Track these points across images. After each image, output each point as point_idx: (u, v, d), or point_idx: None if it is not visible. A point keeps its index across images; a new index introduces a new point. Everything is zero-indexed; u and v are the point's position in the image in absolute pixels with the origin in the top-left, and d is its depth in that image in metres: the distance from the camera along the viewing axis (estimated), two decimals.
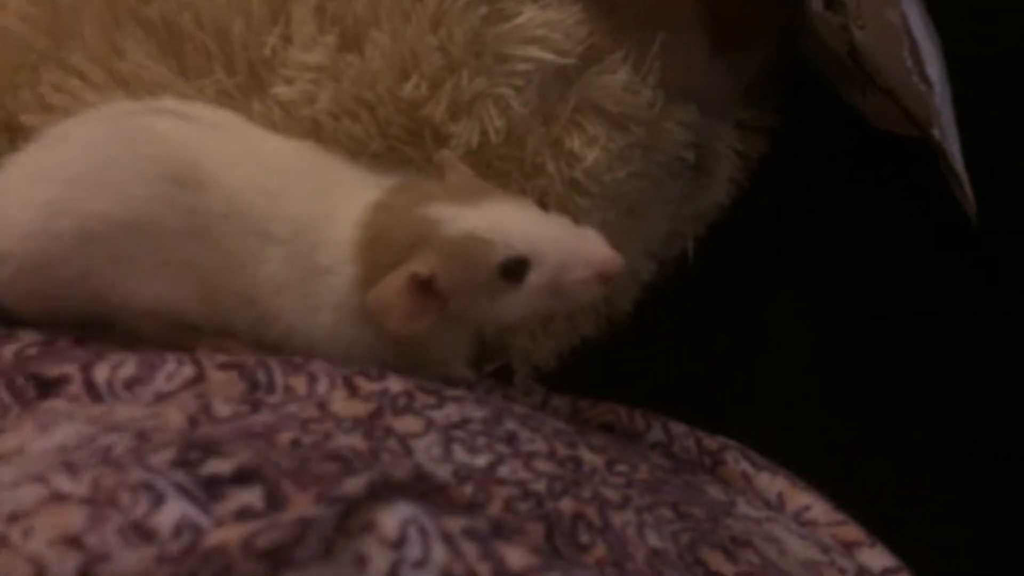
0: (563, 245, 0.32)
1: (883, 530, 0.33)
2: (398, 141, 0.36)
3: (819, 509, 0.33)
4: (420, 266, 0.30)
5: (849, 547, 0.32)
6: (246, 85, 0.35)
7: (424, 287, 0.31)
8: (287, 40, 0.35)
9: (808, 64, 0.45)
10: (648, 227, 0.42)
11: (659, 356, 0.46)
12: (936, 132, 0.37)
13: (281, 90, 0.35)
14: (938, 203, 0.40)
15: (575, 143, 0.37)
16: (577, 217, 0.39)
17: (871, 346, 0.45)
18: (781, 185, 0.46)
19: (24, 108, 0.35)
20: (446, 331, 0.33)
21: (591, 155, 0.37)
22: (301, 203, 0.32)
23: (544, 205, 0.39)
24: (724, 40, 0.40)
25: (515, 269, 0.31)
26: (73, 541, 0.20)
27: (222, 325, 0.32)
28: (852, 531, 0.33)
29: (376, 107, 0.35)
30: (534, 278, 0.31)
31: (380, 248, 0.31)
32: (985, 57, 0.39)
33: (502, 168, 0.37)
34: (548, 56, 0.36)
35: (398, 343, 0.32)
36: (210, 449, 0.22)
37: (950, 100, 0.37)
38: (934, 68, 0.35)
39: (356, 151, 0.35)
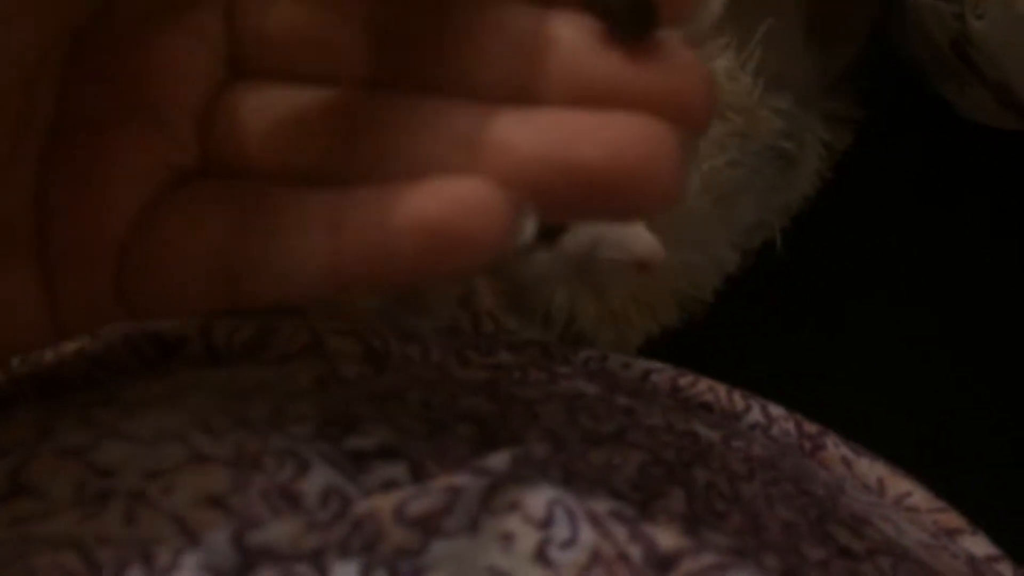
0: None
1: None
2: None
3: (920, 496, 0.33)
4: None
5: (951, 534, 0.32)
6: None
7: None
8: None
9: (897, 56, 0.45)
10: (736, 217, 0.42)
11: (737, 348, 0.46)
12: None
13: None
14: None
15: None
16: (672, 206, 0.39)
17: (955, 345, 0.45)
18: (866, 178, 0.46)
19: None
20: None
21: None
22: None
23: None
24: (819, 29, 0.40)
25: (549, 228, 0.29)
26: (217, 502, 0.20)
27: None
28: (953, 518, 0.32)
29: None
30: (569, 244, 0.29)
31: None
32: None
33: None
34: None
35: None
36: (349, 425, 0.22)
37: None
38: None
39: None
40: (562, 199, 0.18)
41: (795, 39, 0.40)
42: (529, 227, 0.18)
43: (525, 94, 0.19)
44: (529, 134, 0.18)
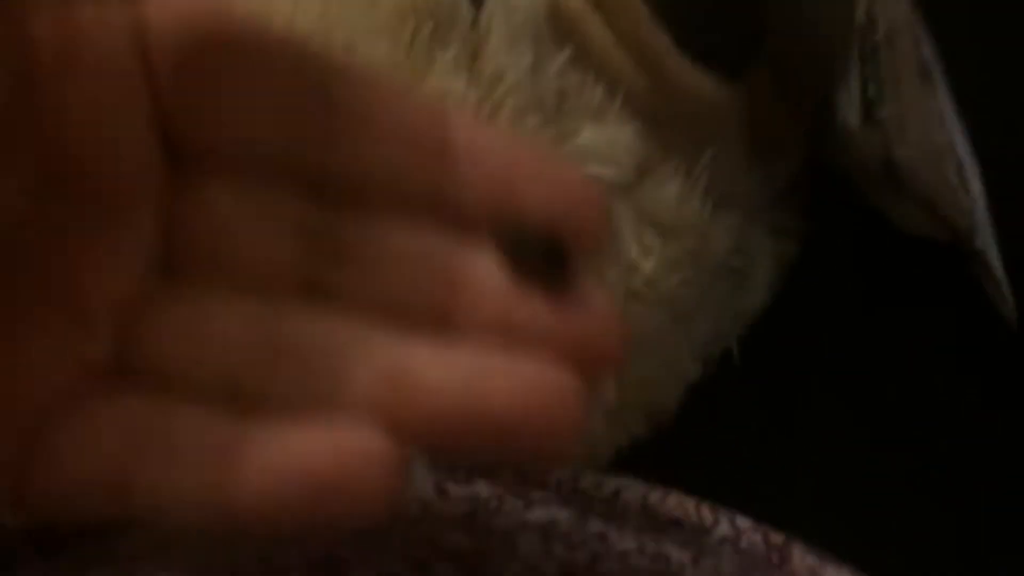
0: None
1: None
2: None
3: None
4: None
5: None
6: None
7: None
8: None
9: (833, 171, 0.47)
10: (695, 330, 0.44)
11: (702, 454, 0.47)
12: (979, 242, 0.39)
13: None
14: (972, 304, 0.42)
15: (632, 253, 0.39)
16: (633, 324, 0.41)
17: (914, 446, 0.46)
18: (813, 285, 0.48)
19: None
20: None
21: (648, 265, 0.39)
22: None
23: None
24: (760, 148, 0.43)
25: None
26: None
27: None
28: None
29: None
30: None
31: None
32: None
33: None
34: (610, 172, 0.38)
35: None
36: (334, 570, 0.23)
37: (986, 208, 0.40)
38: (976, 183, 0.38)
39: None
40: (460, 440, 0.19)
41: (739, 159, 0.42)
42: (419, 479, 0.19)
43: (444, 321, 0.20)
44: (441, 373, 0.19)
